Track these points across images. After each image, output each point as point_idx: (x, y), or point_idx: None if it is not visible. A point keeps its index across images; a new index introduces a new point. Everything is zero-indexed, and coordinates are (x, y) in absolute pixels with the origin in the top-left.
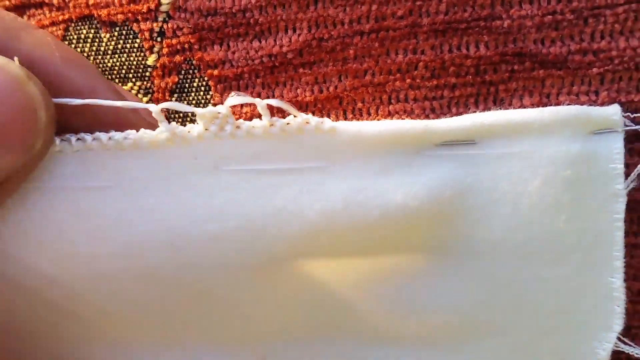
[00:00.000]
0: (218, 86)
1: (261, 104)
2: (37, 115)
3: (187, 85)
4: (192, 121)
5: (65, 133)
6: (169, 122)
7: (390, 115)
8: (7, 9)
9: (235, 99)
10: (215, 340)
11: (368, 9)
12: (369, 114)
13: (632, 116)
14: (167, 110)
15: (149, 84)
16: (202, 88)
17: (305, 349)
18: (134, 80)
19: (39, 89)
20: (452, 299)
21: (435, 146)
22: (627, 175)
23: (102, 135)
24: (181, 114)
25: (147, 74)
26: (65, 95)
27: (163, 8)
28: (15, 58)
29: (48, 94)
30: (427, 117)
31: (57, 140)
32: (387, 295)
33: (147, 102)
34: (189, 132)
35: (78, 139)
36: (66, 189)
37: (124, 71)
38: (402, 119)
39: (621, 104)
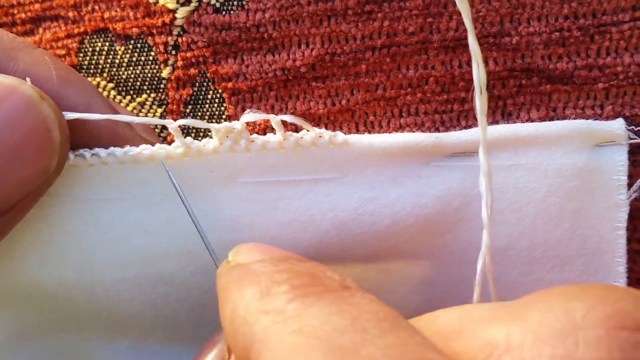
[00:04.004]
0: (232, 98)
1: (275, 119)
2: (51, 135)
3: (201, 97)
4: (205, 134)
5: None
6: (184, 136)
7: (401, 128)
8: (23, 21)
9: (250, 115)
10: None
11: (380, 25)
12: (381, 127)
13: (636, 129)
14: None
15: (163, 96)
16: (216, 100)
17: None
18: (148, 92)
19: (52, 108)
20: (459, 304)
21: (444, 157)
22: (631, 185)
23: (117, 150)
24: (195, 127)
25: (162, 86)
26: None
27: (178, 22)
28: (28, 78)
29: (61, 113)
30: (437, 130)
31: (72, 155)
32: (394, 302)
33: (161, 113)
34: (204, 146)
35: (93, 154)
36: (83, 200)
37: (138, 83)
38: (413, 131)
39: (625, 118)
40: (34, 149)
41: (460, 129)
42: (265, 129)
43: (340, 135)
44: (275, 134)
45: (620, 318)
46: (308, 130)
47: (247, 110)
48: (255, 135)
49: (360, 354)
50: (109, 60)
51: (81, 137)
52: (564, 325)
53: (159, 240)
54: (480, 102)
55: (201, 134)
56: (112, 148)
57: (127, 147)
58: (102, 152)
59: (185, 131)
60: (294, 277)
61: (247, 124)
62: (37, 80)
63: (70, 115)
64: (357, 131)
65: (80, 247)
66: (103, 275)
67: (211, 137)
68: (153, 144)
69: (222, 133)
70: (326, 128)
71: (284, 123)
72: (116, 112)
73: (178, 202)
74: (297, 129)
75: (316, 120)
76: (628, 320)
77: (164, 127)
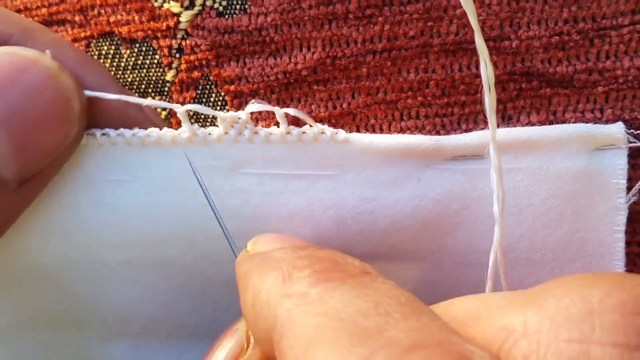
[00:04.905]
0: (234, 101)
1: (279, 112)
2: (71, 104)
3: (204, 100)
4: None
5: None
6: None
7: (402, 131)
8: None
9: (255, 105)
10: None
11: (381, 28)
12: (382, 130)
13: (635, 133)
14: (189, 115)
15: (167, 99)
16: (219, 103)
17: None
18: (153, 94)
19: (71, 80)
20: None
21: (445, 160)
22: (631, 188)
23: (126, 132)
24: (201, 121)
25: (166, 89)
26: None
27: (182, 26)
28: (47, 51)
29: (79, 86)
30: (437, 133)
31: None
32: None
33: (165, 116)
34: (209, 134)
35: (103, 133)
36: (89, 180)
37: (143, 86)
38: (414, 134)
39: (625, 122)
40: (55, 118)
41: (461, 132)
42: (268, 126)
43: (341, 133)
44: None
45: (637, 304)
46: (311, 126)
47: (252, 101)
48: (259, 127)
49: (384, 336)
50: (114, 64)
51: (93, 117)
52: (580, 310)
53: (161, 225)
54: (489, 99)
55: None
56: (121, 129)
57: (136, 129)
58: (112, 132)
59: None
60: (315, 262)
61: (251, 118)
62: (55, 59)
63: (85, 93)
64: None
65: (85, 226)
66: (106, 256)
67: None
68: (161, 128)
69: (228, 122)
70: None
71: (287, 120)
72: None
73: (181, 188)
74: (300, 126)
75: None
76: None
77: (169, 120)
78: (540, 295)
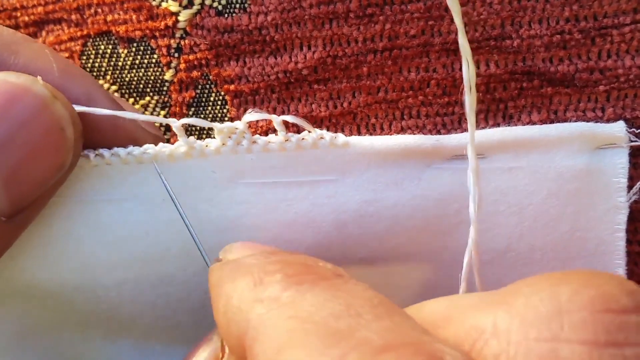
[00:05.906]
0: (234, 101)
1: (277, 120)
2: (65, 133)
3: (203, 99)
4: (209, 136)
5: None
6: (187, 136)
7: (402, 130)
8: (26, 24)
9: (252, 115)
10: None
11: (381, 28)
12: (382, 130)
13: (636, 132)
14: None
15: (166, 98)
16: (219, 102)
17: None
18: (151, 94)
19: (65, 107)
20: None
21: (445, 160)
22: (632, 187)
23: (121, 151)
24: (198, 129)
25: (165, 88)
26: None
27: (180, 25)
28: (39, 77)
29: (74, 110)
30: (438, 132)
31: None
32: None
33: (164, 116)
34: (206, 146)
35: (96, 154)
36: (85, 202)
37: (141, 85)
38: (414, 134)
39: (626, 121)
40: (49, 149)
41: (462, 132)
42: (267, 131)
43: (341, 137)
44: (277, 134)
45: (605, 301)
46: (309, 132)
47: (249, 110)
48: (257, 136)
49: (356, 337)
50: (112, 63)
51: (83, 128)
52: (549, 309)
53: (159, 242)
54: (469, 99)
55: (204, 136)
56: (115, 148)
57: (131, 147)
58: (106, 152)
59: (188, 133)
60: (287, 266)
61: (249, 125)
62: (39, 73)
63: (76, 109)
64: (359, 133)
65: (81, 248)
66: (104, 276)
67: (213, 138)
68: (155, 137)
69: (225, 133)
70: (328, 130)
71: (285, 124)
72: (118, 105)
73: (179, 203)
74: (299, 130)
75: (318, 123)
76: (612, 303)
77: (167, 129)
78: (510, 294)
